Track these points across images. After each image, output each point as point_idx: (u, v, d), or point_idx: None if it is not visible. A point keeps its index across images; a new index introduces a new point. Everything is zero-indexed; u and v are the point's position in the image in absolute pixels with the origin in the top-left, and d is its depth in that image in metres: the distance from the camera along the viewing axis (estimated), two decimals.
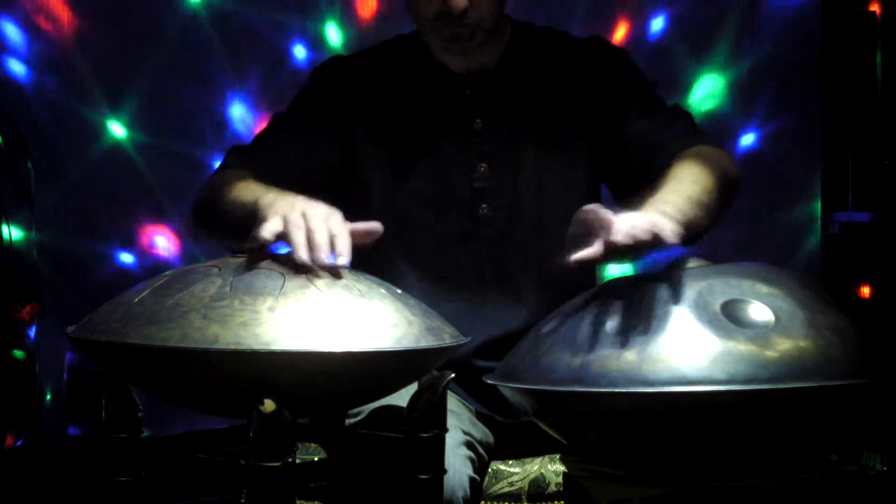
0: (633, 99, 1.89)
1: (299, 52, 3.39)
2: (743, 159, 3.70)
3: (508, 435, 1.81)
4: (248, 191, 1.66)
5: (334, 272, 1.42)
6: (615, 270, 2.92)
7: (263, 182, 1.69)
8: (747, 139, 3.74)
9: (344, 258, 1.44)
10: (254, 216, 1.56)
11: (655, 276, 1.42)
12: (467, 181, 1.85)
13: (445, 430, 1.40)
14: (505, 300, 1.84)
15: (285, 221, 1.48)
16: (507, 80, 1.88)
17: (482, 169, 1.85)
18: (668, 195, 1.58)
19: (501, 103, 1.87)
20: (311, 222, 1.47)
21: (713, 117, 3.64)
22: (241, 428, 1.38)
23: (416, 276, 1.81)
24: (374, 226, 1.54)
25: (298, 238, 1.46)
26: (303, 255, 1.44)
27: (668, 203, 1.54)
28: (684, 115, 1.91)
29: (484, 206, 1.85)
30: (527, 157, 1.86)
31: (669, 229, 1.43)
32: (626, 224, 1.41)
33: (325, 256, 1.45)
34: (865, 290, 3.63)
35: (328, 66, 1.94)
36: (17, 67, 3.31)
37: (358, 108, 1.88)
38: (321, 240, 1.45)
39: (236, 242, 1.55)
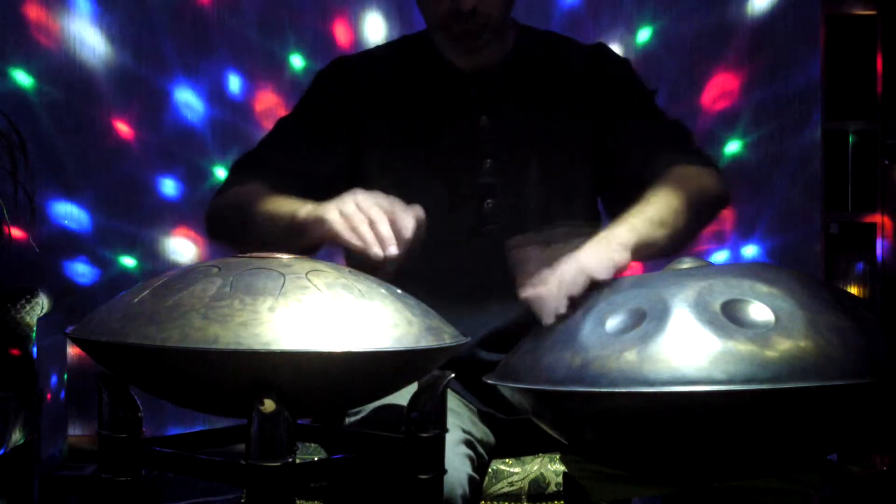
0: (631, 108, 1.90)
1: None
2: (745, 160, 3.70)
3: (509, 432, 1.81)
4: (282, 203, 1.71)
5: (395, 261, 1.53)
6: None
7: (275, 186, 1.73)
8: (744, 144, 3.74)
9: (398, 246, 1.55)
10: (294, 224, 1.64)
11: (655, 276, 1.42)
12: (473, 177, 1.86)
13: (445, 430, 1.40)
14: (508, 293, 1.84)
15: (345, 216, 1.56)
16: (513, 79, 1.89)
17: (487, 165, 1.86)
18: (628, 218, 1.63)
19: (507, 101, 1.88)
20: (370, 212, 1.55)
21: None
22: (241, 428, 1.38)
23: (421, 269, 1.82)
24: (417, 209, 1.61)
25: (366, 233, 1.54)
26: (377, 250, 1.53)
27: (618, 230, 1.60)
28: (683, 131, 1.92)
29: (489, 201, 1.86)
30: (531, 153, 1.87)
31: (602, 270, 1.49)
32: (555, 284, 1.48)
33: (393, 248, 1.54)
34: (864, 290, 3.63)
35: (332, 67, 1.95)
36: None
37: (363, 106, 1.89)
38: (385, 231, 1.53)
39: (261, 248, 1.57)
